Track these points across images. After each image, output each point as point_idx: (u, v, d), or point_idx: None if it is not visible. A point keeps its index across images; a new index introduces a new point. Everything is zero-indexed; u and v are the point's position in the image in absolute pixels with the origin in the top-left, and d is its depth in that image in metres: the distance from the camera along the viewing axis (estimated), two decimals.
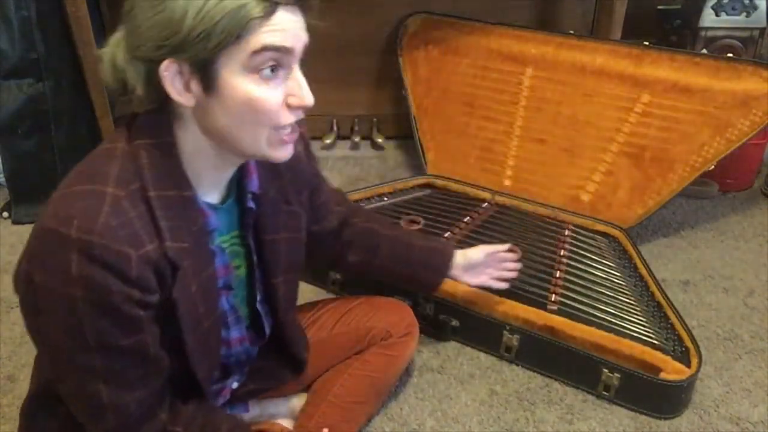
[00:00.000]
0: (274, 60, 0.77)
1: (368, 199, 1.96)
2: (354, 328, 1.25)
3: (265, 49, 0.75)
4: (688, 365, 1.35)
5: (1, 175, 2.12)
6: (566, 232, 1.81)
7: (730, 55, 1.97)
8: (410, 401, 1.37)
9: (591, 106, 1.94)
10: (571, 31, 2.10)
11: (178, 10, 0.73)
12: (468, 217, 1.85)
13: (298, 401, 1.23)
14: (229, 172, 0.90)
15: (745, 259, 1.84)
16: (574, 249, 1.73)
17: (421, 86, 2.19)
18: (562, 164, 1.94)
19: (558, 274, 1.62)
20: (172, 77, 0.76)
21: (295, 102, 0.80)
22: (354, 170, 2.27)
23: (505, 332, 1.45)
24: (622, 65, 1.92)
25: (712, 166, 1.79)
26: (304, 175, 1.05)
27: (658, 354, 1.36)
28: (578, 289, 1.57)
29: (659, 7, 2.38)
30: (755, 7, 2.15)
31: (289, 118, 0.81)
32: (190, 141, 0.83)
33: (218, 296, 0.93)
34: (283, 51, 0.77)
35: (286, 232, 1.01)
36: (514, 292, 1.53)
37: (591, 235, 1.81)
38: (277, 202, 0.99)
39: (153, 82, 0.77)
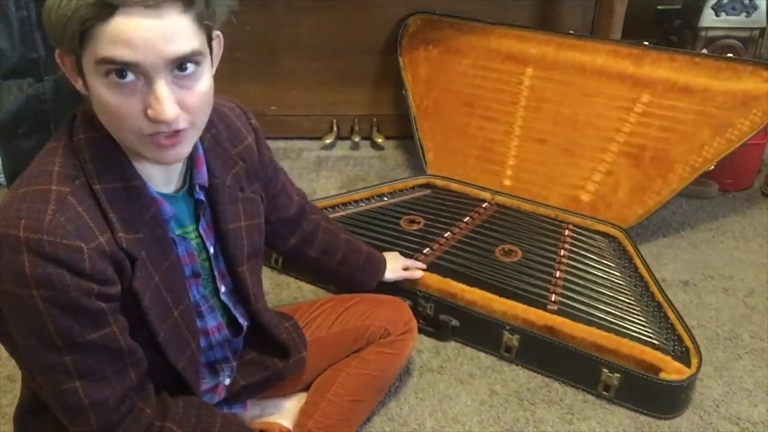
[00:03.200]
0: (124, 71, 0.71)
1: (368, 199, 1.96)
2: (352, 326, 1.25)
3: (105, 61, 0.71)
4: (688, 365, 1.35)
5: (2, 175, 2.11)
6: (566, 232, 1.81)
7: (730, 55, 1.97)
8: (410, 401, 1.37)
9: (591, 106, 1.94)
10: (571, 31, 2.10)
11: (49, 5, 0.73)
12: (468, 217, 1.85)
13: (297, 401, 1.23)
14: (169, 167, 0.88)
15: (745, 259, 1.84)
16: (574, 249, 1.73)
17: (421, 86, 2.19)
18: (562, 164, 1.94)
19: (558, 274, 1.62)
20: (68, 67, 0.77)
21: (151, 114, 0.74)
22: (354, 170, 2.27)
23: (505, 332, 1.45)
24: (622, 65, 1.92)
25: (712, 166, 1.79)
26: (255, 166, 1.04)
27: (658, 354, 1.36)
28: (578, 289, 1.57)
29: (659, 7, 2.39)
30: (755, 7, 2.15)
31: (150, 127, 0.75)
32: None
33: (186, 285, 0.92)
34: (128, 65, 0.71)
35: (245, 220, 1.00)
36: (514, 292, 1.53)
37: (591, 235, 1.81)
38: (233, 191, 0.98)
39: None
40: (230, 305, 1.03)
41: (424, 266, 1.55)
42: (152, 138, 0.76)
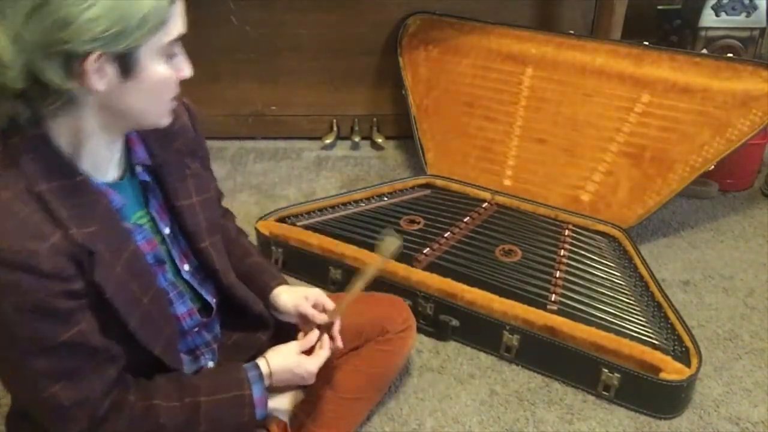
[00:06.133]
0: (178, 45, 0.83)
1: (368, 199, 1.96)
2: (349, 323, 1.22)
3: (179, 37, 0.81)
4: (688, 365, 1.35)
5: None
6: (566, 232, 1.81)
7: (730, 55, 1.97)
8: (410, 401, 1.37)
9: (591, 106, 1.94)
10: (571, 31, 2.10)
11: (109, 2, 0.72)
12: (468, 217, 1.85)
13: (293, 395, 1.23)
14: (119, 147, 0.89)
15: (745, 259, 1.84)
16: (574, 249, 1.73)
17: (421, 86, 2.19)
18: (562, 164, 1.94)
19: (558, 274, 1.62)
20: (97, 72, 0.76)
21: (182, 75, 0.85)
22: (354, 170, 2.27)
23: (505, 332, 1.45)
24: (622, 65, 1.92)
25: (712, 166, 1.79)
26: (194, 144, 1.02)
27: (658, 354, 1.36)
28: (578, 289, 1.57)
29: (659, 7, 2.38)
30: (755, 7, 2.15)
31: (176, 90, 0.86)
32: (83, 126, 0.81)
33: (152, 272, 0.92)
34: (181, 36, 0.82)
35: (197, 195, 1.00)
36: (514, 292, 1.53)
37: (591, 235, 1.81)
38: (180, 168, 0.98)
39: (68, 77, 0.75)
40: (195, 284, 1.01)
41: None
42: (173, 102, 0.87)
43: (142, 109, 0.83)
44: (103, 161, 0.86)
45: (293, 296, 1.13)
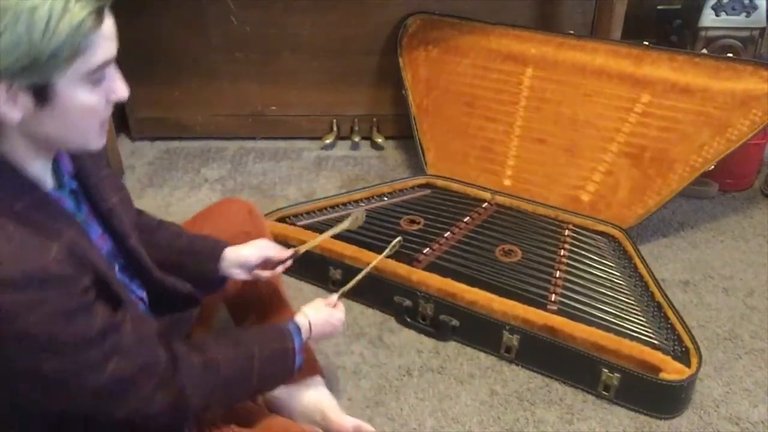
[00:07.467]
0: (107, 68, 0.80)
1: (368, 199, 1.96)
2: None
3: (105, 64, 0.78)
4: (688, 365, 1.35)
5: None
6: (566, 232, 1.81)
7: (730, 55, 1.97)
8: (410, 401, 1.37)
9: (591, 106, 1.94)
10: (571, 31, 2.10)
11: (18, 35, 0.71)
12: (468, 217, 1.85)
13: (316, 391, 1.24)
14: (50, 160, 0.88)
15: (745, 259, 1.84)
16: (574, 249, 1.73)
17: (421, 86, 2.19)
18: (562, 164, 1.94)
19: (558, 274, 1.62)
20: (9, 101, 0.74)
21: (114, 97, 0.83)
22: (354, 170, 2.27)
23: (505, 332, 1.45)
24: (622, 65, 1.92)
25: (712, 166, 1.79)
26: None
27: (658, 354, 1.36)
28: (578, 289, 1.57)
29: (659, 7, 2.38)
30: (755, 7, 2.15)
31: (107, 112, 0.84)
32: (13, 149, 0.81)
33: (111, 266, 0.93)
34: (113, 59, 0.80)
35: (116, 195, 1.00)
36: (514, 292, 1.53)
37: (591, 235, 1.81)
38: (96, 170, 0.97)
39: None
40: (126, 282, 1.01)
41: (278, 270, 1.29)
42: (103, 127, 0.84)
43: (63, 136, 0.82)
44: (41, 173, 0.85)
45: (253, 246, 1.22)
